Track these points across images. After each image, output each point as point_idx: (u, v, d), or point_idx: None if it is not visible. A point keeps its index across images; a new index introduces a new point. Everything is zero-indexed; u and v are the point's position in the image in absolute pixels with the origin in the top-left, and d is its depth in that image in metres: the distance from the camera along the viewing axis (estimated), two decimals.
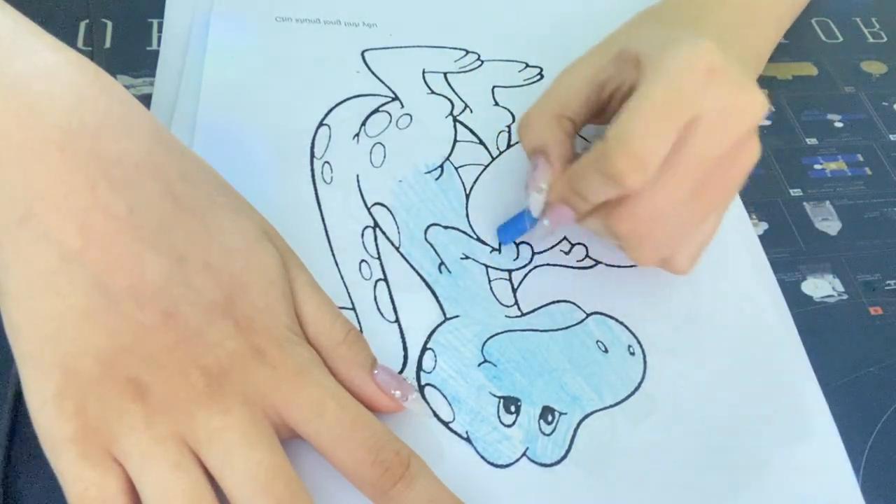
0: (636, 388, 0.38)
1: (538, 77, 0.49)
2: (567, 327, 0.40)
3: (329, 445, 0.32)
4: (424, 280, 0.40)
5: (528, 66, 0.50)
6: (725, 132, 0.35)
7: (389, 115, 0.46)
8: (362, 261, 0.40)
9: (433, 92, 0.47)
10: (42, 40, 0.33)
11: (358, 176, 0.43)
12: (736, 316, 0.41)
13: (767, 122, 0.50)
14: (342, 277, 0.40)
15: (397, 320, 0.39)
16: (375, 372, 0.34)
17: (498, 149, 0.45)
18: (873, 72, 0.54)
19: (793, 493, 0.36)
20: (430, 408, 0.37)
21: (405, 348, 0.38)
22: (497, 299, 0.40)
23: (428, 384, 0.37)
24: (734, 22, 0.41)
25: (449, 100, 0.47)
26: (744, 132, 0.36)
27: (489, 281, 0.41)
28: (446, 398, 0.37)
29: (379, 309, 0.39)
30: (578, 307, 0.40)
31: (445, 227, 0.42)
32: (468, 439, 0.36)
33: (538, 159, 0.39)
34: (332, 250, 0.40)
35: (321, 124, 0.44)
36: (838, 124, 0.51)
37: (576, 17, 0.53)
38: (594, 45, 0.41)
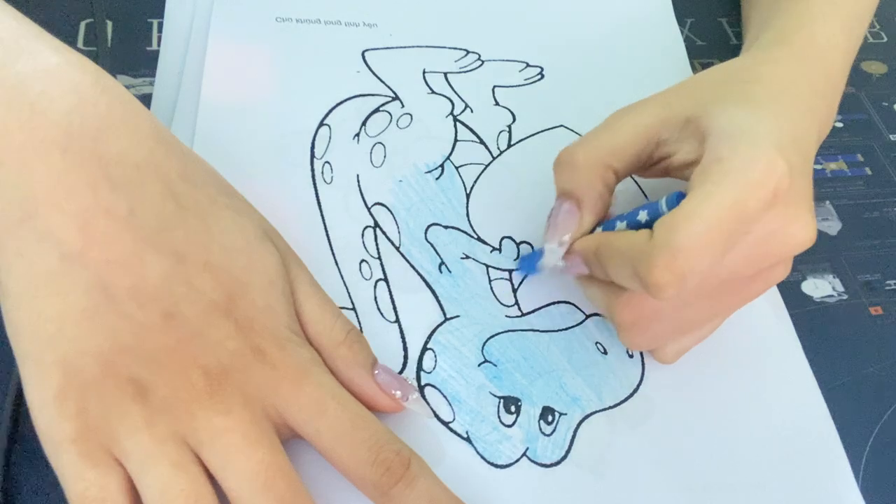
0: (635, 390, 0.38)
1: (538, 77, 0.49)
2: (567, 328, 0.40)
3: (329, 445, 0.32)
4: (425, 280, 0.40)
5: (528, 65, 0.50)
6: (765, 255, 0.34)
7: (390, 114, 0.46)
8: (362, 261, 0.40)
9: (433, 91, 0.47)
10: (43, 41, 0.33)
11: (358, 176, 0.43)
12: (733, 318, 0.41)
13: None
14: (342, 277, 0.40)
15: (397, 320, 0.39)
16: (376, 372, 0.34)
17: (498, 148, 0.45)
18: (873, 72, 0.54)
19: (792, 493, 0.36)
20: (431, 408, 0.37)
21: (405, 348, 0.38)
22: (497, 299, 0.40)
23: (428, 384, 0.37)
24: (812, 90, 0.38)
25: (449, 99, 0.47)
26: (782, 258, 0.35)
27: (489, 281, 0.41)
28: (446, 398, 0.37)
29: (379, 309, 0.39)
30: (578, 308, 0.40)
31: (446, 227, 0.42)
32: (468, 439, 0.36)
33: (567, 204, 0.36)
34: (332, 250, 0.40)
35: (321, 124, 0.44)
36: (838, 124, 0.51)
37: (576, 17, 0.53)
38: (657, 94, 0.38)
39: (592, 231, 0.37)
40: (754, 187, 0.32)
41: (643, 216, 0.35)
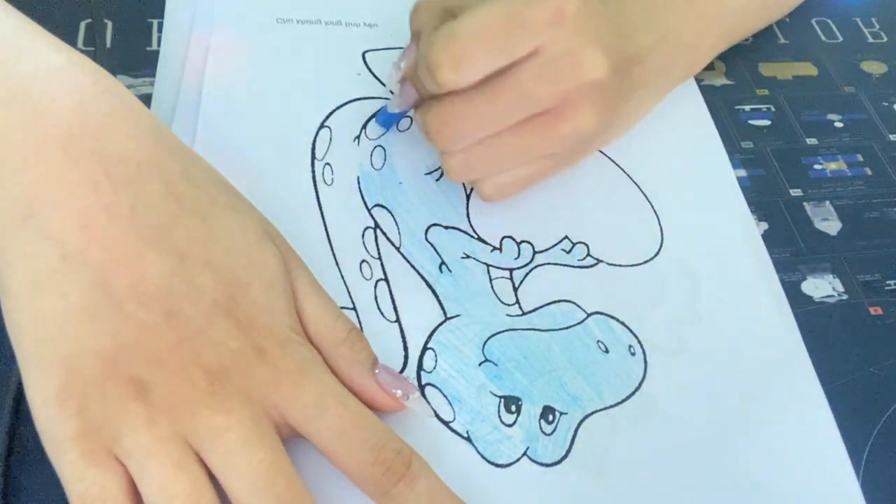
0: (636, 389, 0.38)
1: None
2: (568, 327, 0.40)
3: (330, 444, 0.32)
4: (425, 279, 0.40)
5: None
6: (551, 75, 0.36)
7: None
8: (363, 261, 0.40)
9: None
10: (44, 41, 0.33)
11: (358, 178, 0.43)
12: (737, 316, 0.41)
13: (766, 122, 0.50)
14: (343, 278, 0.40)
15: (398, 320, 0.39)
16: (377, 371, 0.34)
17: None
18: (873, 72, 0.54)
19: (793, 493, 0.36)
20: (431, 407, 0.37)
21: (406, 348, 0.38)
22: (498, 298, 0.40)
23: (428, 384, 0.37)
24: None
25: None
26: (570, 85, 0.36)
27: (490, 280, 0.41)
28: (447, 398, 0.37)
29: (379, 309, 0.39)
30: (579, 307, 0.40)
31: (446, 228, 0.42)
32: (469, 439, 0.36)
33: (411, 42, 0.39)
34: (332, 251, 0.40)
35: (322, 126, 0.45)
36: (838, 124, 0.51)
37: None
38: None
39: None
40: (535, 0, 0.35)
41: None
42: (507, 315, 0.40)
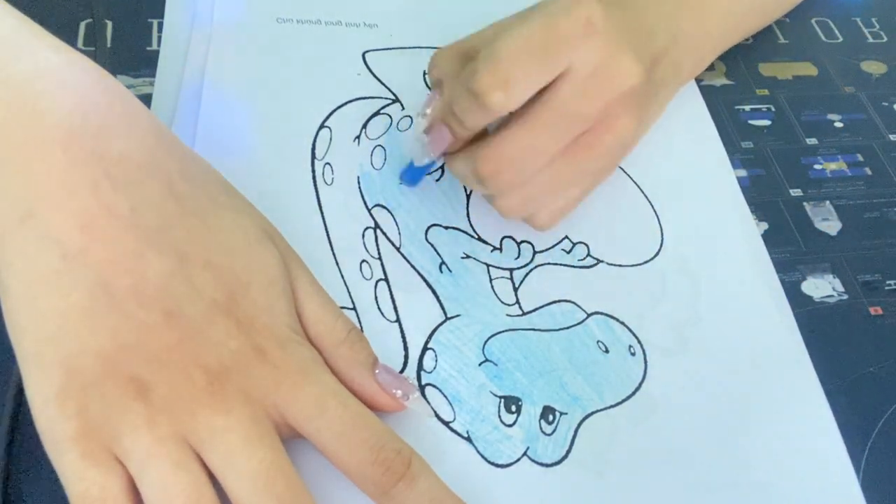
0: (637, 389, 0.38)
1: None
2: (568, 327, 0.40)
3: (330, 444, 0.32)
4: (425, 280, 0.40)
5: None
6: (592, 91, 0.36)
7: (390, 117, 0.46)
8: (363, 261, 0.40)
9: None
10: (44, 40, 0.33)
11: (359, 178, 0.43)
12: (737, 316, 0.41)
13: (766, 122, 0.50)
14: (343, 277, 0.40)
15: (398, 320, 0.39)
16: (377, 371, 0.34)
17: None
18: (873, 72, 0.54)
19: (793, 492, 0.36)
20: (431, 407, 0.37)
21: (406, 348, 0.38)
22: (498, 298, 0.40)
23: (429, 384, 0.37)
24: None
25: None
26: (611, 97, 0.36)
27: (490, 280, 0.41)
28: (447, 398, 0.37)
29: (380, 309, 0.39)
30: (579, 307, 0.40)
31: (446, 228, 0.42)
32: (469, 439, 0.36)
33: (434, 91, 0.39)
34: (332, 251, 0.40)
35: (322, 126, 0.45)
36: (838, 124, 0.51)
37: None
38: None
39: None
40: (564, 12, 0.35)
41: None
42: (508, 315, 0.40)
